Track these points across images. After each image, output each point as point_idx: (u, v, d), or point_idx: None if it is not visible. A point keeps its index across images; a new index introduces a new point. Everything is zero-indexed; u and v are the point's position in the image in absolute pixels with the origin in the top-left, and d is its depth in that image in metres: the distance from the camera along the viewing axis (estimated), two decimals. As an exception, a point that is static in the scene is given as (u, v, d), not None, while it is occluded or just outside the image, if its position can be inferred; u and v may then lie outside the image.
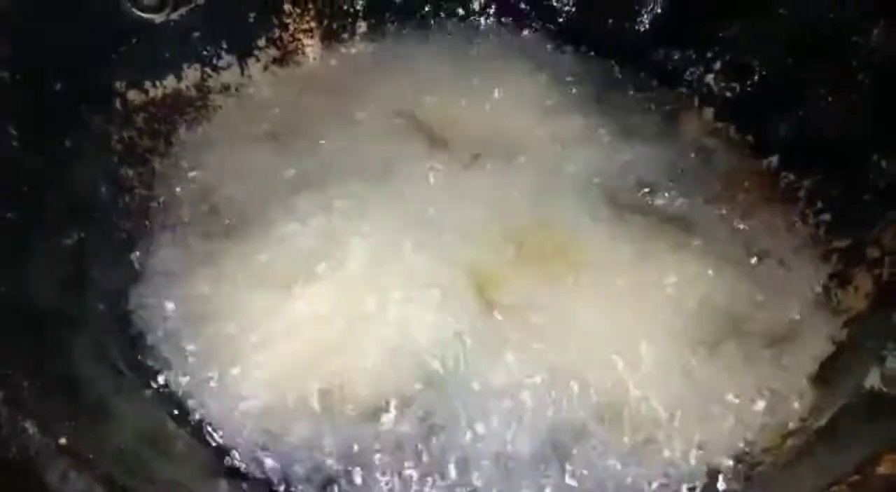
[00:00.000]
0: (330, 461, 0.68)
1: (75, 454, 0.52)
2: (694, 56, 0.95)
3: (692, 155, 0.90)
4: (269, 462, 0.68)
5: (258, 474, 0.68)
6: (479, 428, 0.69)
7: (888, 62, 0.77)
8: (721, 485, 0.67)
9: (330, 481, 0.67)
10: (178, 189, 0.86)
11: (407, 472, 0.68)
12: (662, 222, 0.83)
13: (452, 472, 0.68)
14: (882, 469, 0.53)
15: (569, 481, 0.67)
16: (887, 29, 0.77)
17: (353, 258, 0.79)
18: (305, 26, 0.98)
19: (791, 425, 0.69)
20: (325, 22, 1.00)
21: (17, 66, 0.70)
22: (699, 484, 0.67)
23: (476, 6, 1.05)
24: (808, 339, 0.74)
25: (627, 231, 0.82)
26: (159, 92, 0.87)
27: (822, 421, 0.66)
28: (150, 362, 0.73)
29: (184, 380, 0.72)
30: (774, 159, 0.87)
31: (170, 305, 0.76)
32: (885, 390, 0.64)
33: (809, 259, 0.80)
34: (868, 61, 0.79)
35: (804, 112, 0.85)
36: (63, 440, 0.52)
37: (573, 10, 1.02)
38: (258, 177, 0.87)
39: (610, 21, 1.00)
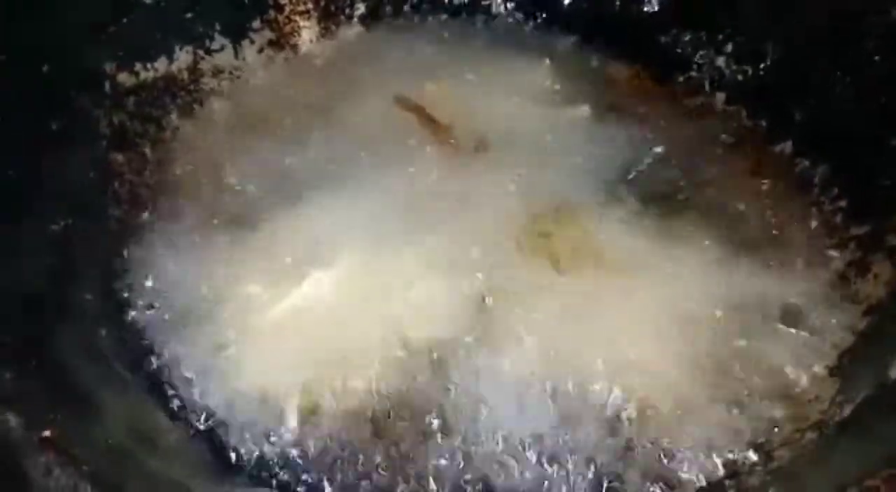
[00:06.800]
0: (327, 455, 0.67)
1: (60, 448, 0.51)
2: (705, 38, 0.94)
3: (704, 142, 0.88)
4: (264, 456, 0.67)
5: (252, 469, 0.67)
6: (482, 422, 0.68)
7: (905, 44, 0.76)
8: (740, 480, 0.65)
9: (327, 474, 0.66)
10: (169, 175, 0.85)
11: (406, 468, 0.66)
12: (674, 211, 0.81)
13: (456, 466, 0.66)
14: (915, 463, 0.51)
15: (581, 474, 0.66)
16: (905, 9, 0.76)
17: (353, 248, 0.77)
18: (301, 8, 0.98)
19: (812, 419, 0.67)
20: (322, 3, 0.99)
21: (3, 46, 0.69)
22: (718, 479, 0.65)
23: (479, -10, 1.04)
24: (827, 329, 0.72)
25: (638, 221, 0.81)
26: (150, 74, 0.87)
27: (845, 414, 0.64)
28: (139, 354, 0.72)
29: (175, 372, 0.71)
30: (788, 145, 0.86)
31: (160, 295, 0.75)
32: (909, 380, 0.62)
33: (826, 247, 0.78)
34: (884, 43, 0.77)
35: (819, 96, 0.83)
36: (47, 433, 0.51)
37: (580, -9, 1.02)
38: (252, 163, 0.86)
39: (618, 3, 0.99)
